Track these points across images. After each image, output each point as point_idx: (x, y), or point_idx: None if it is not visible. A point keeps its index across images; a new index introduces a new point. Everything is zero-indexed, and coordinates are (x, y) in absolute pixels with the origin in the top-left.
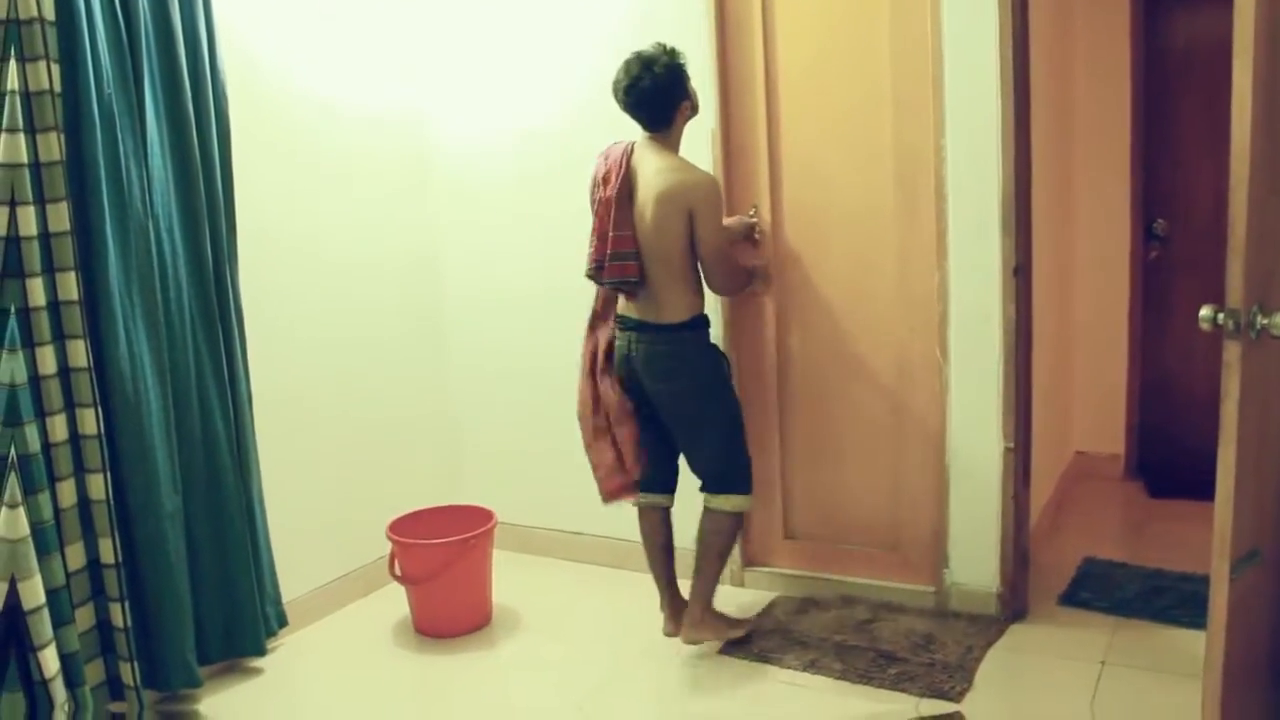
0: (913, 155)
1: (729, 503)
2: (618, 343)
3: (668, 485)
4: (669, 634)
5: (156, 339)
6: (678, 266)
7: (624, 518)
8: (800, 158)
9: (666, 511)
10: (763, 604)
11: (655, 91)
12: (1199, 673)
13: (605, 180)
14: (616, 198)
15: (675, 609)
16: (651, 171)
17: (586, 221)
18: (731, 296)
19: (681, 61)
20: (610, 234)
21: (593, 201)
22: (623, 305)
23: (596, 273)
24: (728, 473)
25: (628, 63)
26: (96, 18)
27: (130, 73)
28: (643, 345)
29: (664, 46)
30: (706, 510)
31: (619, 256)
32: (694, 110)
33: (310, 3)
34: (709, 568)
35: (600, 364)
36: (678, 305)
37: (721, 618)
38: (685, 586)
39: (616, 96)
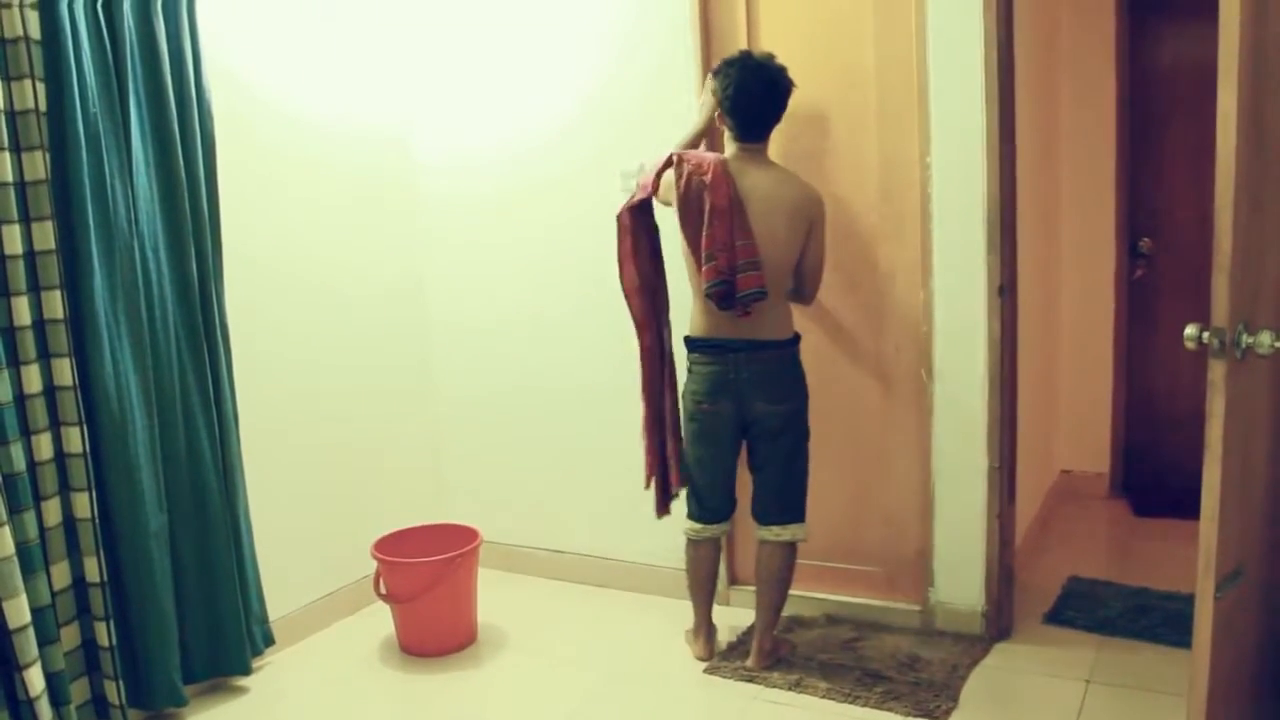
0: (898, 172)
1: (801, 531)
2: (711, 370)
3: (730, 513)
4: (703, 658)
5: (142, 357)
6: (785, 279)
7: (610, 537)
8: None
9: (720, 541)
10: (748, 623)
11: (782, 99)
12: (1183, 691)
13: (714, 187)
14: (733, 205)
15: (710, 636)
16: (770, 181)
17: (570, 240)
18: (802, 304)
19: (787, 78)
20: (736, 243)
21: (688, 208)
22: (710, 326)
23: (724, 288)
24: (799, 499)
25: (758, 65)
26: (82, 37)
27: (115, 92)
28: (757, 365)
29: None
30: (775, 545)
31: (751, 265)
32: None
33: (296, 22)
34: (783, 602)
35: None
36: (785, 320)
37: (781, 641)
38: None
39: (742, 93)
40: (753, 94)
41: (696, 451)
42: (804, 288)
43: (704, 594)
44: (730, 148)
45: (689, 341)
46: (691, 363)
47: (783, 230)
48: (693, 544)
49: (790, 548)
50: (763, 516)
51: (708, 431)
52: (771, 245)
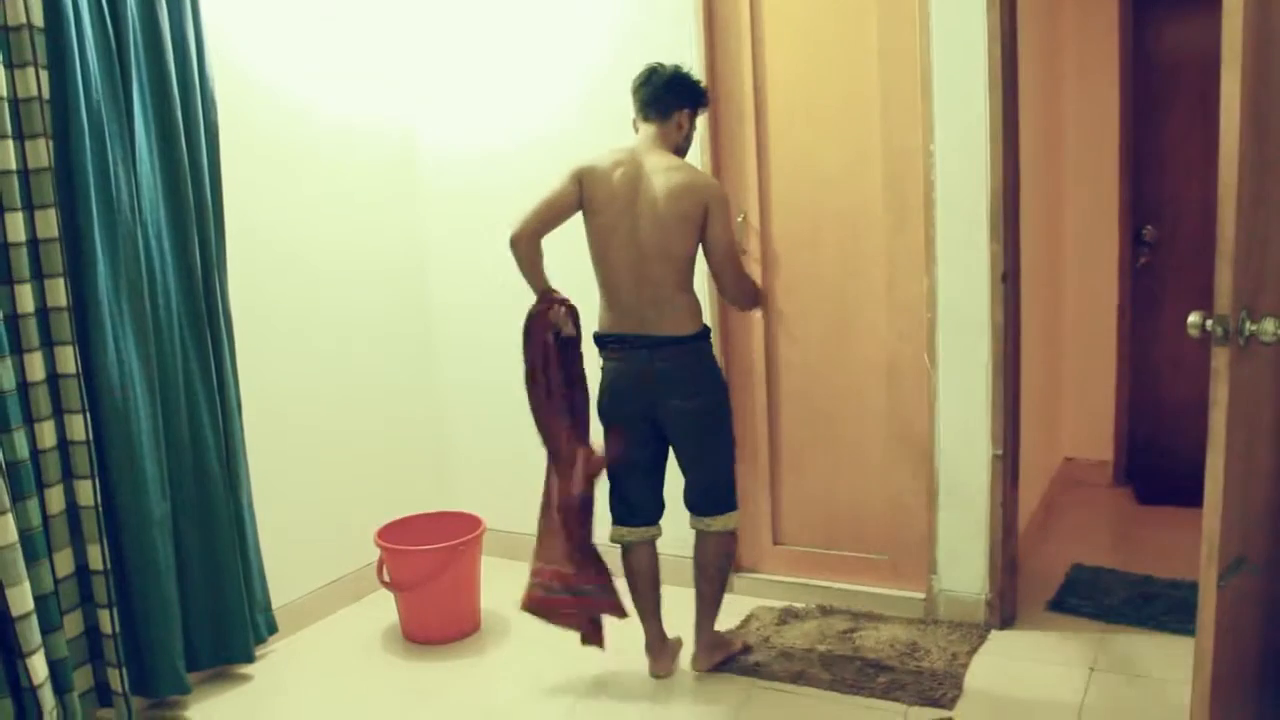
0: (902, 160)
1: (731, 520)
2: (615, 365)
3: (657, 515)
4: (658, 676)
5: (145, 345)
6: (684, 270)
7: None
8: (789, 163)
9: (654, 545)
10: (740, 618)
11: (661, 85)
12: (1187, 679)
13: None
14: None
15: (664, 649)
16: (659, 168)
17: (572, 229)
18: (739, 307)
19: (685, 72)
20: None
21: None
22: (613, 321)
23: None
24: (727, 491)
25: (655, 66)
26: (85, 24)
27: (119, 80)
28: (659, 362)
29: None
30: (707, 535)
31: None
32: (686, 128)
33: (299, 9)
34: (718, 594)
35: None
36: (690, 312)
37: (724, 637)
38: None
39: (639, 83)
40: (646, 82)
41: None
42: (720, 283)
43: (648, 605)
44: (638, 136)
45: (596, 338)
46: (601, 359)
47: (672, 211)
48: (624, 551)
49: (722, 537)
50: (692, 510)
51: (618, 428)
52: (660, 233)
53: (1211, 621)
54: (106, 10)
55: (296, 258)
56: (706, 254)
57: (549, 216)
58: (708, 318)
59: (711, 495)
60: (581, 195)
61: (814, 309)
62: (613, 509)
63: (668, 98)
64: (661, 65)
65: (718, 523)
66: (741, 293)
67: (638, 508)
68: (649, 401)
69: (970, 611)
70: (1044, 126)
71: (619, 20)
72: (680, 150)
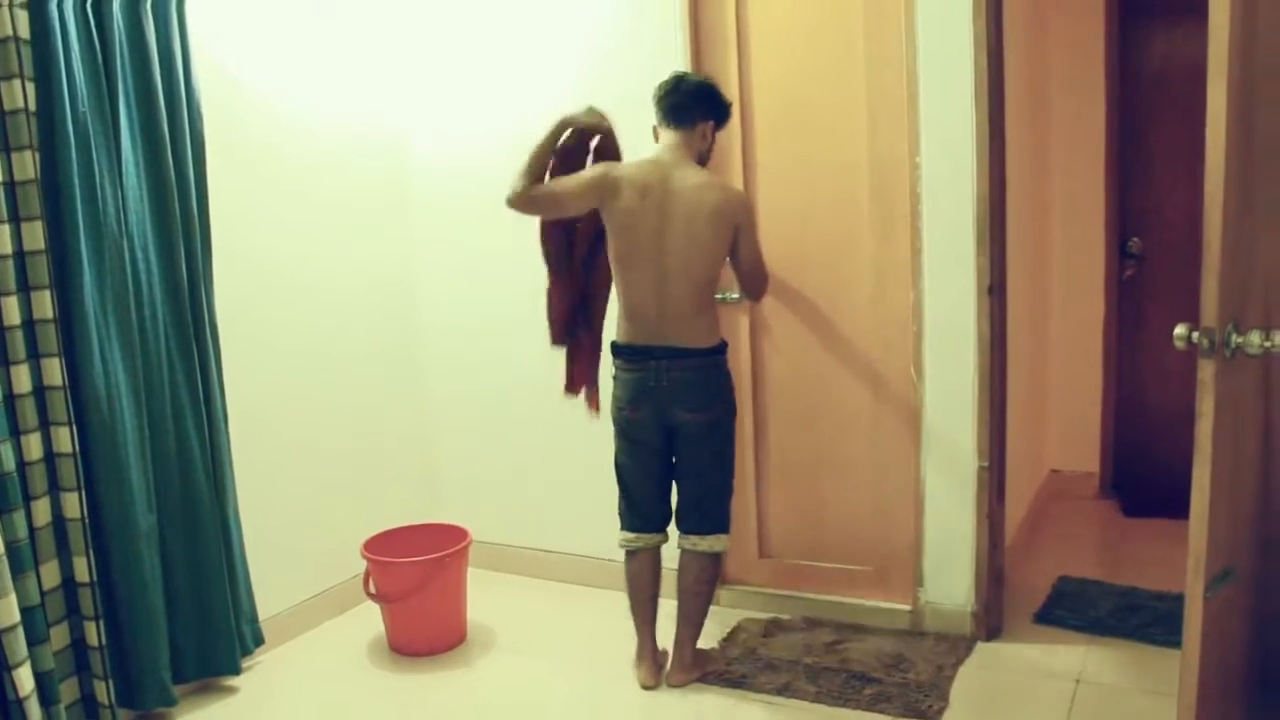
0: (887, 172)
1: (720, 543)
2: (633, 376)
3: (665, 523)
4: (648, 687)
5: (131, 358)
6: (707, 289)
7: (599, 536)
8: (774, 173)
9: (659, 552)
10: (725, 630)
11: (689, 93)
12: (1173, 691)
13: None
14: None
15: (654, 660)
16: (693, 186)
17: None
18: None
19: (713, 85)
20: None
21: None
22: (633, 332)
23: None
24: (720, 509)
25: (680, 74)
26: (71, 36)
27: (105, 92)
28: (677, 372)
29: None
30: (695, 554)
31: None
32: (710, 139)
33: (287, 22)
34: (701, 615)
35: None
36: (710, 328)
37: (704, 654)
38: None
39: (664, 90)
40: (673, 90)
41: (623, 458)
42: (747, 286)
43: (645, 614)
44: (661, 144)
45: (614, 347)
46: (616, 369)
47: (705, 233)
48: (628, 556)
49: (709, 558)
50: (682, 525)
51: (632, 437)
52: (694, 249)
53: (1197, 634)
54: (93, 23)
55: (283, 269)
56: (733, 264)
57: (552, 206)
58: None
59: (704, 509)
60: (601, 202)
61: (799, 320)
62: (620, 514)
63: (694, 107)
64: (687, 74)
65: (705, 542)
66: (764, 288)
67: (646, 514)
68: (663, 410)
69: (956, 623)
70: (1030, 138)
71: (606, 32)
72: (702, 159)
